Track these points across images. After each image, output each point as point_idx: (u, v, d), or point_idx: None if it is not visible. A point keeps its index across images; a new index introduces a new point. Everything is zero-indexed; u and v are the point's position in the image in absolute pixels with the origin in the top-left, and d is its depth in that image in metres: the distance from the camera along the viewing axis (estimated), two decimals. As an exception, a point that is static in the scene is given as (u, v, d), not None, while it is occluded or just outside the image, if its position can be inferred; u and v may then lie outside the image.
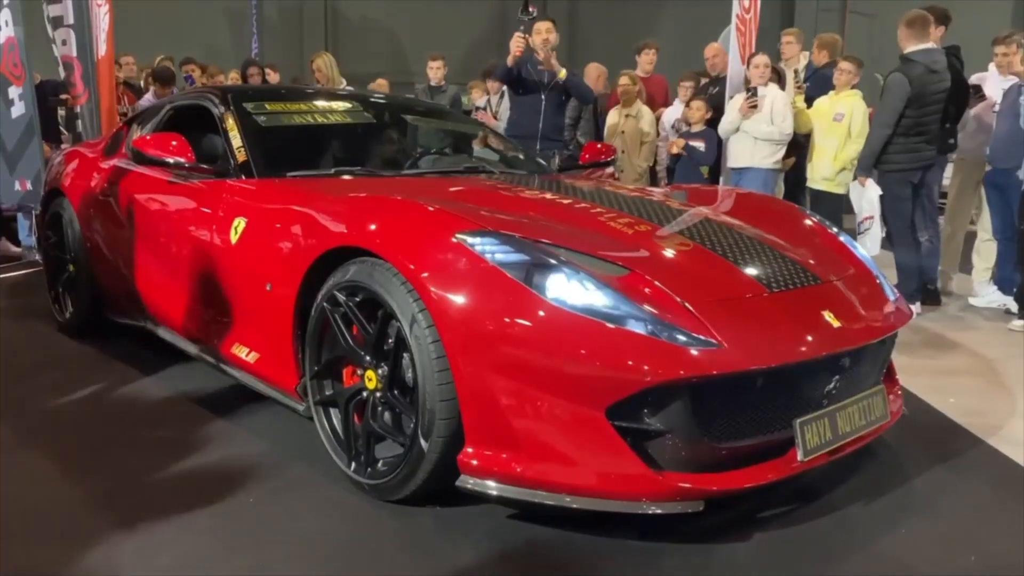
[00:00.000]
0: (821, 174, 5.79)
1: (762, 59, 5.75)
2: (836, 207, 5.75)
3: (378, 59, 13.52)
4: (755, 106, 5.65)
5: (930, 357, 4.34)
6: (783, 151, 5.83)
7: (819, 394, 2.43)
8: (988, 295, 5.61)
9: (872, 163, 5.18)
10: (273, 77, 8.46)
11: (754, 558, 2.23)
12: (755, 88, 5.69)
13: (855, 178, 5.38)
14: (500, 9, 14.89)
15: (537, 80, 5.45)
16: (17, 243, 6.83)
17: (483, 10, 14.28)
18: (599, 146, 4.37)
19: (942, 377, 3.96)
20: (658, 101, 7.13)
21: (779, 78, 6.01)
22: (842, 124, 5.68)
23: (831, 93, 5.87)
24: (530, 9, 5.42)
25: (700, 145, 6.11)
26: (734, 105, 5.83)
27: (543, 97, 5.46)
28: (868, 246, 5.24)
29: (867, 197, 5.28)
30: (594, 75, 7.14)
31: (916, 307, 5.17)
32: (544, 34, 5.30)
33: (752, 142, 5.74)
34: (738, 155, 5.84)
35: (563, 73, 5.38)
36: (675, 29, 14.97)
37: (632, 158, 6.53)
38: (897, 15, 5.29)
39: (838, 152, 5.69)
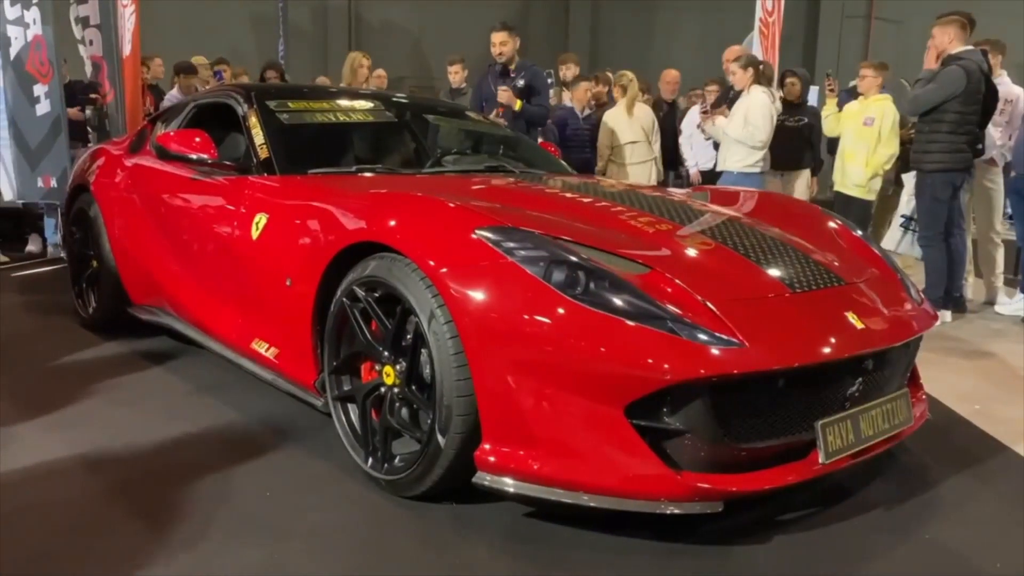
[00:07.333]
0: (852, 180, 5.73)
1: (733, 64, 5.71)
2: (864, 213, 5.68)
3: (400, 62, 13.60)
4: (721, 114, 5.63)
5: (955, 363, 4.28)
6: (759, 156, 5.63)
7: (842, 396, 2.39)
8: (1014, 303, 5.53)
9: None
10: None
11: (773, 561, 2.20)
12: (733, 92, 5.65)
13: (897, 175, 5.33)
14: (522, 10, 14.94)
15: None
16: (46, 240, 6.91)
17: (504, 12, 14.31)
18: None
19: (967, 383, 3.90)
20: None
21: (768, 81, 5.91)
22: (872, 128, 5.63)
23: (860, 98, 5.84)
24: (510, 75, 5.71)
25: None
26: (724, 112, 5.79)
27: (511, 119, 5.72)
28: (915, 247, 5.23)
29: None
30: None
31: (947, 315, 5.10)
32: (498, 47, 5.52)
33: (725, 145, 5.68)
34: (719, 158, 5.83)
35: (519, 105, 5.46)
36: (698, 32, 14.95)
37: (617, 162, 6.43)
38: (922, 21, 5.24)
39: (869, 157, 5.64)
